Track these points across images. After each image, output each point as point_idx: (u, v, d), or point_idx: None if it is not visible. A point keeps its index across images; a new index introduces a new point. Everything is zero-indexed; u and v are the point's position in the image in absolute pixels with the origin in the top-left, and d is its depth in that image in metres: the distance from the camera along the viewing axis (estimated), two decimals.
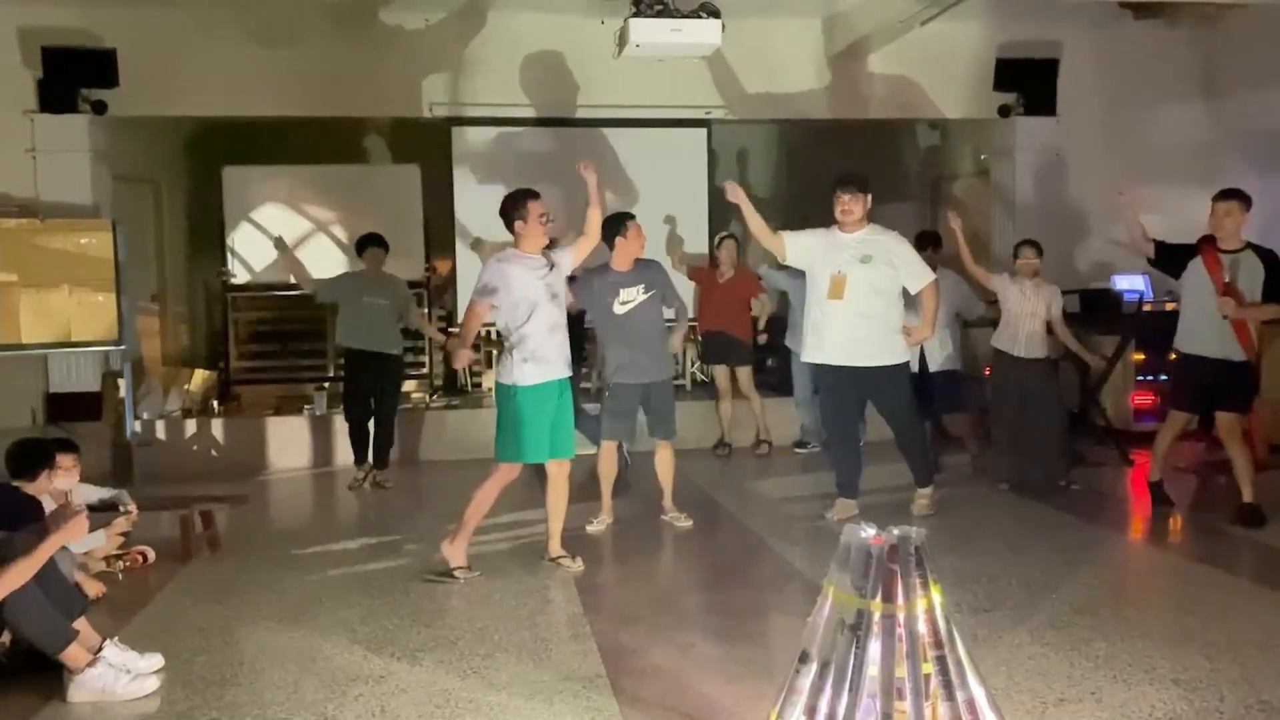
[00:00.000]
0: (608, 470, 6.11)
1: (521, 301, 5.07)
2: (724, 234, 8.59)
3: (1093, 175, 9.33)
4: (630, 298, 5.96)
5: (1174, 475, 6.81)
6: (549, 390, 5.11)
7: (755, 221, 5.90)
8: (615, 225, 5.91)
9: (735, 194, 5.80)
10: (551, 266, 5.20)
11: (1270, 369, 7.79)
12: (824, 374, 6.11)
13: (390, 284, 7.56)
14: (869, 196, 5.89)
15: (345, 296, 7.47)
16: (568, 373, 5.24)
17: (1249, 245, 5.79)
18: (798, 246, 6.01)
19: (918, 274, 5.96)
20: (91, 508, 5.15)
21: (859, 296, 5.82)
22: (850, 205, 5.83)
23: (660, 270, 6.19)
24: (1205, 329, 5.82)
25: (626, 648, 4.11)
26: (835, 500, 6.19)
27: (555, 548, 5.32)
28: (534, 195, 5.18)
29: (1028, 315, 6.77)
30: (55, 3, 8.06)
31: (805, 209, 12.14)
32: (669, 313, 6.24)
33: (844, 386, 6.02)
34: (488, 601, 4.78)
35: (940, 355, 7.24)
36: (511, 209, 5.17)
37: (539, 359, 5.08)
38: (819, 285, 5.94)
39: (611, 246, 5.94)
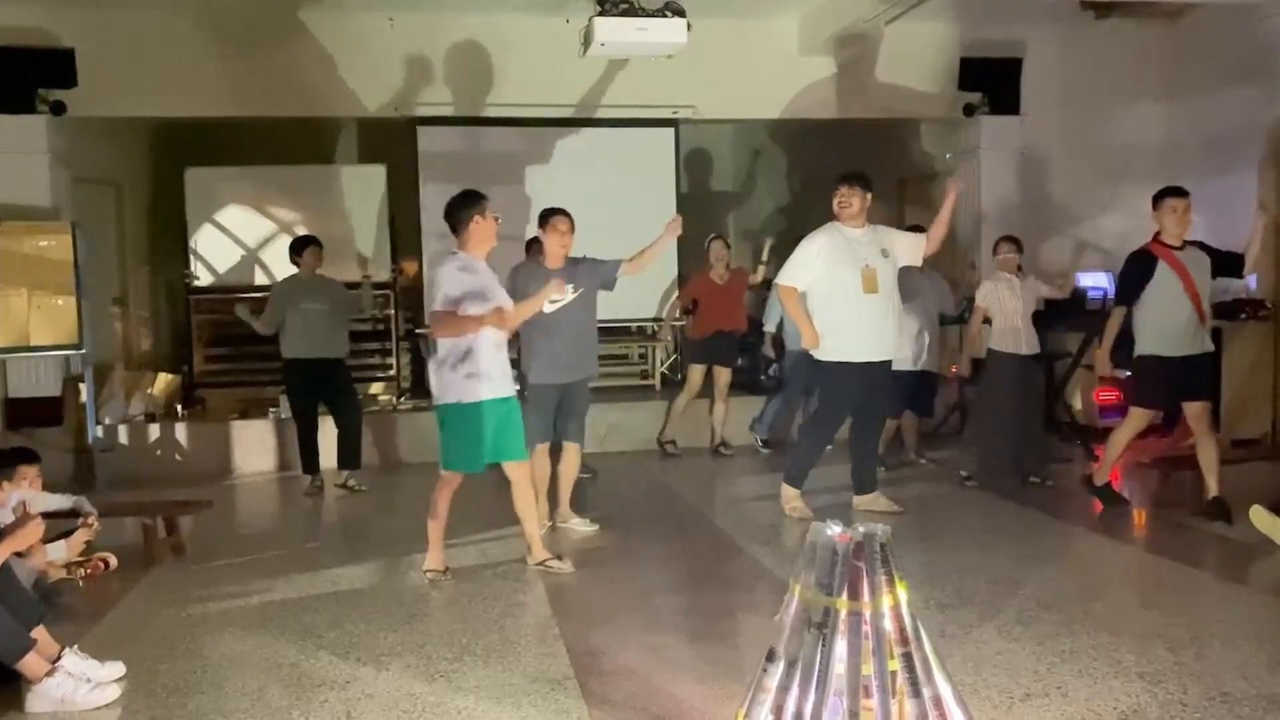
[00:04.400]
0: (540, 474, 5.85)
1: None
2: (713, 235, 8.55)
3: (1056, 174, 9.43)
4: (560, 297, 5.79)
5: (1139, 471, 6.89)
6: (494, 407, 4.97)
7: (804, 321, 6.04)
8: (542, 220, 5.88)
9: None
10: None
11: (1233, 366, 7.92)
12: (847, 372, 5.98)
13: (328, 287, 7.43)
14: (869, 195, 5.98)
15: (288, 305, 7.30)
16: (513, 390, 5.12)
17: (1187, 241, 5.89)
18: (805, 273, 5.99)
19: (912, 247, 6.15)
20: (50, 515, 5.08)
21: (887, 289, 5.94)
22: (847, 198, 5.92)
23: (589, 264, 5.90)
24: (1178, 329, 5.80)
25: (596, 649, 4.09)
26: (786, 489, 6.21)
27: (539, 552, 5.24)
28: (484, 195, 5.09)
29: (1021, 312, 6.83)
30: (11, 1, 7.92)
31: (774, 207, 12.24)
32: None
33: (859, 383, 6.00)
34: (456, 605, 4.75)
35: (910, 355, 7.28)
36: (460, 208, 5.00)
37: (485, 376, 4.94)
38: (844, 283, 5.89)
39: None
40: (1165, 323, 5.83)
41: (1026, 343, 6.85)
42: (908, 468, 7.61)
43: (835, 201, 5.96)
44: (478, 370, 4.92)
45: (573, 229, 5.84)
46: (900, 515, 6.06)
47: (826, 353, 6.03)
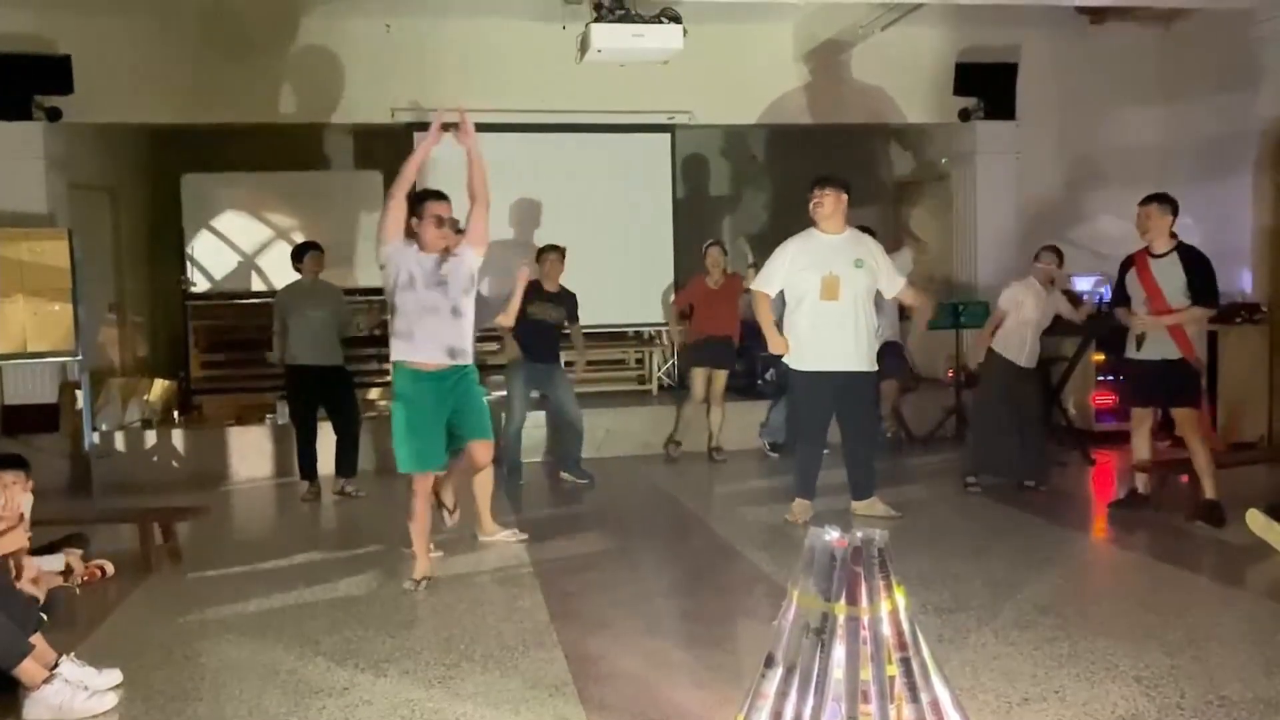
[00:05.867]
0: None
1: (400, 270, 4.85)
2: (710, 241, 8.57)
3: (1052, 178, 9.46)
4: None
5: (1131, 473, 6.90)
6: (418, 376, 4.85)
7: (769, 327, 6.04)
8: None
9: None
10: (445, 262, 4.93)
11: (1229, 369, 7.95)
12: (811, 380, 6.02)
13: (328, 294, 7.45)
14: (845, 196, 5.95)
15: (289, 311, 7.32)
16: (448, 362, 4.90)
17: (1177, 247, 5.89)
18: (775, 279, 6.02)
19: (894, 279, 6.13)
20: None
21: (855, 299, 5.90)
22: (820, 198, 5.91)
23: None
24: (1134, 333, 6.01)
25: (594, 654, 4.08)
26: (794, 501, 6.21)
27: (489, 526, 5.24)
28: (436, 196, 4.97)
29: (1036, 324, 6.84)
30: (6, 8, 7.93)
31: (769, 213, 12.23)
32: None
33: (827, 392, 6.01)
34: (453, 611, 4.74)
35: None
36: (410, 207, 4.95)
37: (404, 335, 4.85)
38: (807, 289, 5.91)
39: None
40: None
41: (1028, 355, 6.86)
42: (903, 469, 7.60)
43: (810, 204, 5.97)
44: (398, 329, 4.86)
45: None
46: (898, 520, 6.06)
47: (791, 360, 6.07)
